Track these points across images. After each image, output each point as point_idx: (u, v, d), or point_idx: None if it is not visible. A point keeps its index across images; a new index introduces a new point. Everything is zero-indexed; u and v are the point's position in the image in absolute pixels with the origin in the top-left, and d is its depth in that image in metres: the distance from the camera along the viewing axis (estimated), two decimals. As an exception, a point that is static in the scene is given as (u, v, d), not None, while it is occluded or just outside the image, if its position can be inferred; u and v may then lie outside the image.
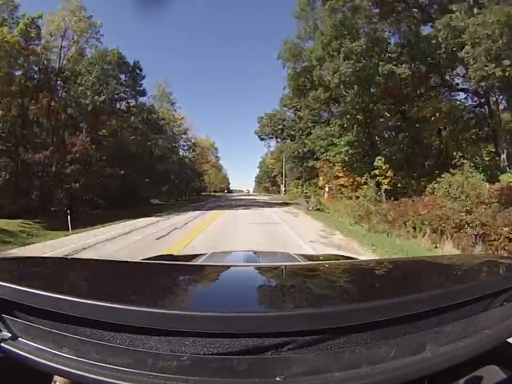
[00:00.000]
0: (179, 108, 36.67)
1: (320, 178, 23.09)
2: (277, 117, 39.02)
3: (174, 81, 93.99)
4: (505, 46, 9.44)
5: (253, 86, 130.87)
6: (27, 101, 16.41)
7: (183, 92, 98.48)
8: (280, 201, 29.49)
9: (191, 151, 43.80)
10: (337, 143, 19.20)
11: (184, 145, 41.85)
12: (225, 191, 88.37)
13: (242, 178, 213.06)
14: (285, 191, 44.87)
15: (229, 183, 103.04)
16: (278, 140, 40.99)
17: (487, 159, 14.40)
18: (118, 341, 0.57)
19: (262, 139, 42.57)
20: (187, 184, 44.00)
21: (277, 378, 0.49)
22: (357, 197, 14.85)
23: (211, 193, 64.34)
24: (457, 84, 15.39)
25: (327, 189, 21.60)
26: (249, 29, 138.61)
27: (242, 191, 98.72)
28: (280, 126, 38.26)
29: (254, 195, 65.70)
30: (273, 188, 67.05)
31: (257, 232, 9.67)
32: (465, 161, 11.37)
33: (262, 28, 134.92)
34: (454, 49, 11.58)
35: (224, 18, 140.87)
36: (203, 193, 57.65)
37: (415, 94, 16.27)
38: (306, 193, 27.64)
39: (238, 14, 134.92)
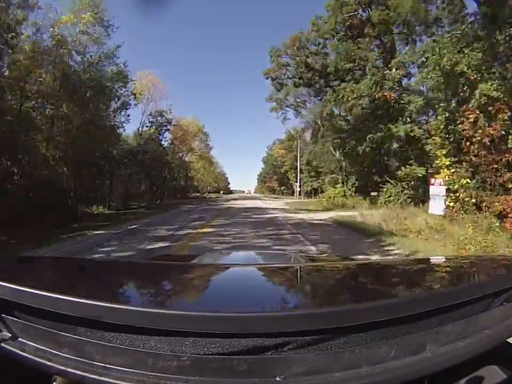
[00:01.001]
0: (116, 30, 16.16)
1: (442, 161, 8.20)
2: (312, 38, 20.00)
3: (173, 81, 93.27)
4: None
5: (254, 89, 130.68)
6: None
7: (184, 92, 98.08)
8: (324, 216, 13.30)
9: (163, 131, 28.41)
10: None
11: (153, 122, 27.33)
12: (221, 191, 74.50)
13: (244, 179, 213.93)
14: (299, 192, 35.77)
15: (229, 183, 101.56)
16: (311, 91, 22.90)
17: None
18: (118, 341, 0.57)
19: (279, 87, 23.30)
20: (163, 181, 31.04)
21: (277, 378, 0.49)
22: None
23: (204, 195, 52.34)
24: None
25: (442, 189, 7.76)
26: (249, 30, 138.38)
27: (244, 191, 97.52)
28: (319, 61, 19.87)
29: (257, 197, 47.83)
30: (281, 188, 52.76)
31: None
32: None
33: (263, 27, 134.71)
34: None
35: (224, 15, 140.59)
36: (193, 194, 45.80)
37: None
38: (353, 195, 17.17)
39: (238, 14, 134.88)
